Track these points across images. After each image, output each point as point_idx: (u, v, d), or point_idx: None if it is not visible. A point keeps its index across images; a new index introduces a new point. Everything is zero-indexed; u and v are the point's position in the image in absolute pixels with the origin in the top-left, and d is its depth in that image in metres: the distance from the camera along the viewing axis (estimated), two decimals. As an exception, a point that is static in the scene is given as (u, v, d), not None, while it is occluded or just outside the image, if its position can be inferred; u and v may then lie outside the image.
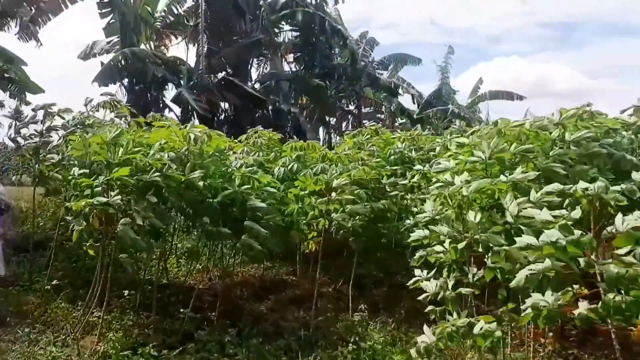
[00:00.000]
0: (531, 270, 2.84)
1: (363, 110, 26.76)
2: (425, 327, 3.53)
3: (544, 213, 3.06)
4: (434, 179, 6.07)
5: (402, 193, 6.79)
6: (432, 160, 7.64)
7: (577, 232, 2.61)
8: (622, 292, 2.52)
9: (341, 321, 6.23)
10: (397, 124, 25.67)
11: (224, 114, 22.55)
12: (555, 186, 3.38)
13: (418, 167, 6.97)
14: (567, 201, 3.32)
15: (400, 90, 24.11)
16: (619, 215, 2.64)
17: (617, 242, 2.42)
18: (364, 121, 23.55)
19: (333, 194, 5.99)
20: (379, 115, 27.52)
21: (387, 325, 6.02)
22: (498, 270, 3.42)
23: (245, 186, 5.65)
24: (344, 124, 27.53)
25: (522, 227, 3.31)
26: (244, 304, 6.98)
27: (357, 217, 6.06)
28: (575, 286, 2.90)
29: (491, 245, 3.45)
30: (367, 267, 8.22)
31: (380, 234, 6.86)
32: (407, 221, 6.67)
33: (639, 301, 2.42)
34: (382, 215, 6.64)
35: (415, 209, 6.61)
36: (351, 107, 26.82)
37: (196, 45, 21.17)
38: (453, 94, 28.42)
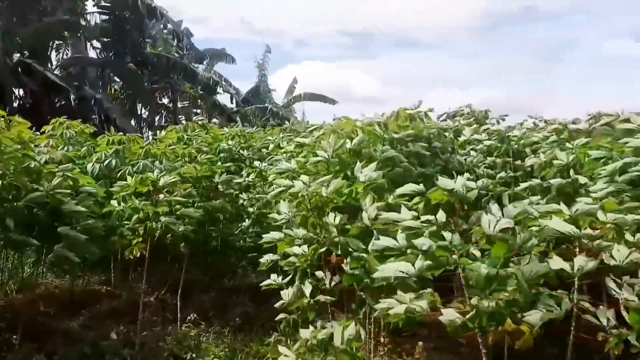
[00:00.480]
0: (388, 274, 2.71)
1: (178, 104, 25.60)
2: (280, 347, 3.22)
3: (404, 214, 2.98)
4: (271, 177, 5.86)
5: (237, 192, 6.43)
6: (266, 158, 7.47)
7: (448, 236, 2.54)
8: (490, 295, 2.51)
9: (170, 335, 5.63)
10: (214, 120, 25.09)
11: (18, 102, 19.64)
12: (411, 187, 3.34)
13: (257, 163, 6.67)
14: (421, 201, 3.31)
15: (219, 88, 23.52)
16: (485, 217, 2.64)
17: (495, 252, 2.40)
18: (179, 116, 22.52)
19: (161, 195, 5.37)
20: (195, 110, 26.53)
21: (222, 336, 5.59)
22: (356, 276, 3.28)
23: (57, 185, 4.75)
24: (157, 118, 26.02)
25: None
26: (51, 322, 5.95)
27: (189, 219, 5.52)
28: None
29: (350, 249, 3.28)
30: (194, 271, 7.67)
31: (213, 236, 6.40)
32: (244, 223, 6.34)
33: (509, 304, 2.42)
34: (214, 217, 6.19)
35: (251, 209, 6.31)
36: (165, 101, 25.50)
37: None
38: (270, 92, 28.87)
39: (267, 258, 3.81)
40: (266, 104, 25.69)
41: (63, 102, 19.48)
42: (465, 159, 5.27)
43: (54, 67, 20.98)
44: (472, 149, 5.62)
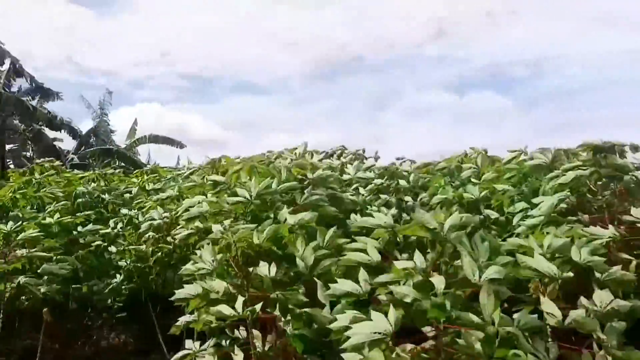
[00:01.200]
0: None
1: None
2: None
3: (372, 251, 2.64)
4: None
5: (105, 244, 5.54)
6: (129, 204, 6.65)
7: (439, 285, 2.24)
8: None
9: None
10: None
11: None
12: (373, 220, 3.00)
13: (124, 211, 5.84)
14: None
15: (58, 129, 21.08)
16: (466, 261, 2.40)
17: (489, 307, 2.15)
18: (7, 160, 19.72)
19: (21, 250, 4.38)
20: (24, 154, 23.34)
21: None
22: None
23: None
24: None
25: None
26: None
27: (52, 277, 4.57)
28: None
29: (290, 306, 2.84)
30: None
31: (76, 296, 5.40)
32: (114, 280, 5.46)
33: None
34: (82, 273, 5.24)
35: (122, 263, 5.48)
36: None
37: None
38: (111, 134, 26.91)
39: (183, 320, 3.16)
40: (109, 146, 23.79)
41: None
42: (357, 198, 5.12)
43: None
44: (358, 187, 5.49)
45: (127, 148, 25.94)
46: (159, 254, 5.13)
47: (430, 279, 2.20)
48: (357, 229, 2.88)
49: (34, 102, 21.21)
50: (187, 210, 3.92)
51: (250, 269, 3.08)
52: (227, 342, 3.12)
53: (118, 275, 5.48)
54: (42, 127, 20.90)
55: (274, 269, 2.97)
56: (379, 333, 2.14)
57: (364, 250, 2.62)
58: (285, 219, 3.33)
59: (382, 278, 2.32)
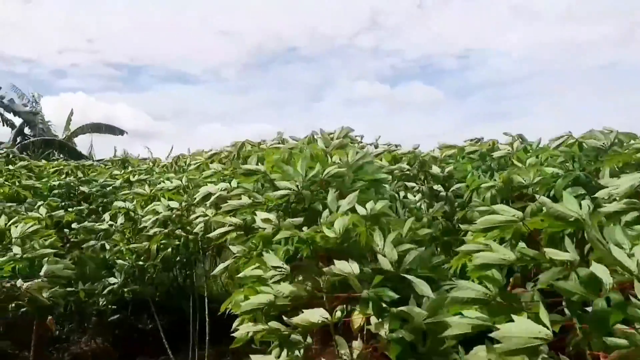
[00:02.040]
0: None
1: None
2: None
3: (502, 250, 2.30)
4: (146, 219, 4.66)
5: (101, 242, 4.96)
6: (109, 195, 6.11)
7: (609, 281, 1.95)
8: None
9: None
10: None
11: None
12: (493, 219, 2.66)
13: (119, 203, 5.26)
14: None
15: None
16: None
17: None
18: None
19: (16, 248, 3.81)
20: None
21: None
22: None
23: None
24: None
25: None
26: None
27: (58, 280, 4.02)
28: None
29: (384, 305, 2.51)
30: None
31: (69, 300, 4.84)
32: (114, 280, 4.93)
33: None
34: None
35: (121, 262, 4.96)
36: None
37: None
38: (48, 124, 25.34)
39: (245, 330, 2.74)
40: (48, 137, 22.37)
41: None
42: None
43: None
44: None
45: (67, 138, 24.52)
46: (169, 250, 4.65)
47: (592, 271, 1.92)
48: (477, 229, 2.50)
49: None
50: (221, 200, 3.49)
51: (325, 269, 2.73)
52: (300, 352, 2.74)
53: (116, 277, 4.95)
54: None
55: (355, 265, 2.62)
56: (537, 338, 1.85)
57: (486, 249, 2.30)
58: (349, 210, 2.99)
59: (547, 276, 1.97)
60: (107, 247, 4.95)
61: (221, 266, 3.38)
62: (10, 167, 6.16)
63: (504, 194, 4.10)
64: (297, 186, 3.19)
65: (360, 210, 2.93)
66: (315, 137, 4.87)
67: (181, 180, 4.95)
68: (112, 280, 4.89)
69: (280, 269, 2.62)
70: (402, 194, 4.35)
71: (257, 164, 4.55)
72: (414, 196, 4.53)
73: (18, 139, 22.79)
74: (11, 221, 3.92)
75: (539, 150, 4.34)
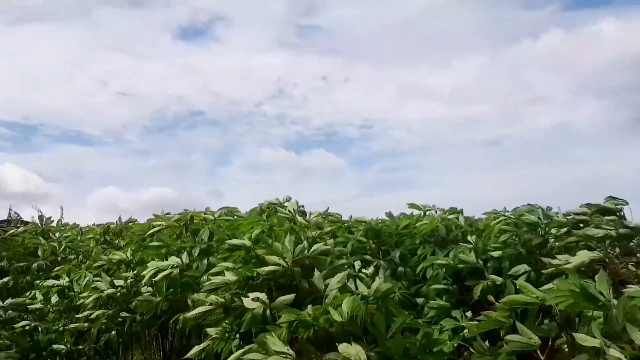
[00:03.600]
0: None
1: None
2: None
3: None
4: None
5: (33, 323, 4.46)
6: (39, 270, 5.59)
7: None
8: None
9: None
10: None
11: None
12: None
13: (50, 281, 4.79)
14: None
15: None
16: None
17: None
18: None
19: None
20: None
21: None
22: None
23: None
24: None
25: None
26: None
27: None
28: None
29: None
30: None
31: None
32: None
33: None
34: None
35: (58, 346, 4.50)
36: None
37: None
38: None
39: None
40: None
41: None
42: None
43: None
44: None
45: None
46: (113, 333, 4.29)
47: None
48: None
49: None
50: (207, 279, 3.33)
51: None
52: None
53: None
54: None
55: (358, 348, 2.59)
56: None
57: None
58: (339, 288, 2.99)
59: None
60: (39, 329, 4.47)
61: (197, 348, 3.20)
62: None
63: (452, 270, 4.36)
64: (286, 262, 3.14)
65: (362, 289, 2.94)
66: (275, 207, 4.83)
67: (125, 254, 4.65)
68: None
69: (285, 355, 2.52)
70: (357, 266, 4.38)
71: (208, 238, 4.45)
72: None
73: None
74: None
75: (484, 227, 4.66)
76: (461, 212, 5.01)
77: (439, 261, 4.32)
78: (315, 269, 3.20)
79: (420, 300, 4.33)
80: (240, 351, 2.68)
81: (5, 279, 5.09)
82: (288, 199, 4.91)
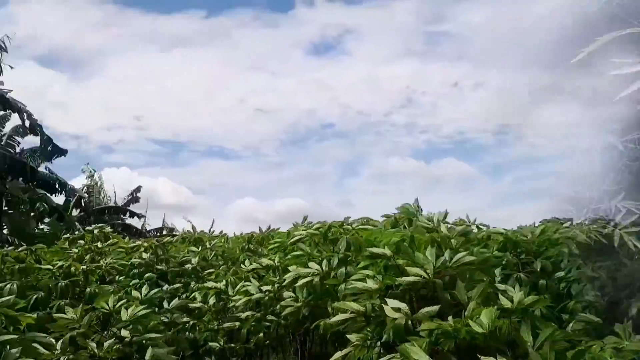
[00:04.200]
0: None
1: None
2: None
3: None
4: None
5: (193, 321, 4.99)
6: (191, 274, 6.20)
7: None
8: None
9: None
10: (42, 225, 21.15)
11: None
12: None
13: (210, 283, 5.32)
14: None
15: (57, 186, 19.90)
16: None
17: None
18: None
19: (124, 332, 3.86)
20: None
21: None
22: None
23: None
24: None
25: None
26: None
27: None
28: None
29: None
30: None
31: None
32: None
33: None
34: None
35: (212, 344, 4.95)
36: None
37: None
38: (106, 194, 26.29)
39: None
40: (106, 206, 23.31)
41: None
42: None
43: None
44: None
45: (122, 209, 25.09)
46: (260, 335, 4.64)
47: None
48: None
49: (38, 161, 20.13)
50: (346, 287, 3.51)
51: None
52: None
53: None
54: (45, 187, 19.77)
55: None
56: None
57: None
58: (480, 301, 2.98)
59: None
60: (197, 327, 4.96)
61: (339, 354, 3.36)
62: (99, 244, 6.33)
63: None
64: (427, 273, 3.19)
65: (504, 302, 2.92)
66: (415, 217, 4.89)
67: (273, 261, 5.00)
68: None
69: (430, 366, 2.59)
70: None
71: (346, 248, 4.61)
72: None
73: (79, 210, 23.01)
74: (119, 303, 4.00)
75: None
76: (609, 222, 4.69)
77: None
78: (458, 280, 3.22)
79: (565, 316, 4.13)
80: (383, 359, 2.79)
81: (176, 286, 5.70)
82: (417, 205, 4.91)
